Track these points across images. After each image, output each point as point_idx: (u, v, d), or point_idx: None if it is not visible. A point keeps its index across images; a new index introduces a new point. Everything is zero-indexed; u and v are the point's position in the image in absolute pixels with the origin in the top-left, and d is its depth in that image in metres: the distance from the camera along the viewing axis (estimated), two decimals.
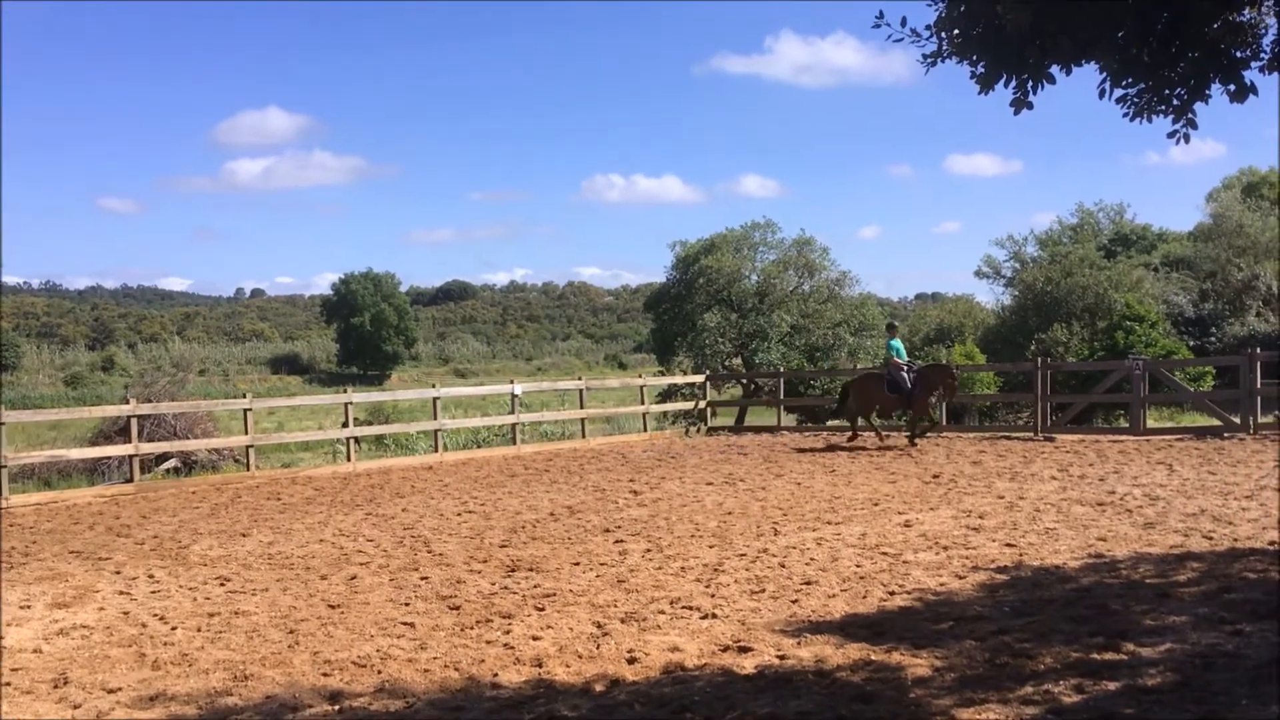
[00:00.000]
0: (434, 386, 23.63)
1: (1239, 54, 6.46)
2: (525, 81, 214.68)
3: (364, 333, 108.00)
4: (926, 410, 20.31)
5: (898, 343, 21.22)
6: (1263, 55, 6.49)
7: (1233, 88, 6.46)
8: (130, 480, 17.98)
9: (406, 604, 8.95)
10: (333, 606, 8.95)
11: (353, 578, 10.11)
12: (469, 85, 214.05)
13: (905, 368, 20.47)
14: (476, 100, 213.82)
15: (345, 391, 21.92)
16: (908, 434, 20.64)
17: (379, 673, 7.00)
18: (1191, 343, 40.75)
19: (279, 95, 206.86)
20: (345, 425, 21.11)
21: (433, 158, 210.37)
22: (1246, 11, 6.43)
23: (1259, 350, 21.05)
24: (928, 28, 6.77)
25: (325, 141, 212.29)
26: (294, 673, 7.07)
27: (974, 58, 6.65)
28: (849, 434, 21.33)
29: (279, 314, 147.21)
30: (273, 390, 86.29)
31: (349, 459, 20.50)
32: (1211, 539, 9.99)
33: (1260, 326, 42.04)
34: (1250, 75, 6.46)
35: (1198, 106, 6.65)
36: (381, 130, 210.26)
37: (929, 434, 21.02)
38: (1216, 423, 19.82)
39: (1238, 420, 19.32)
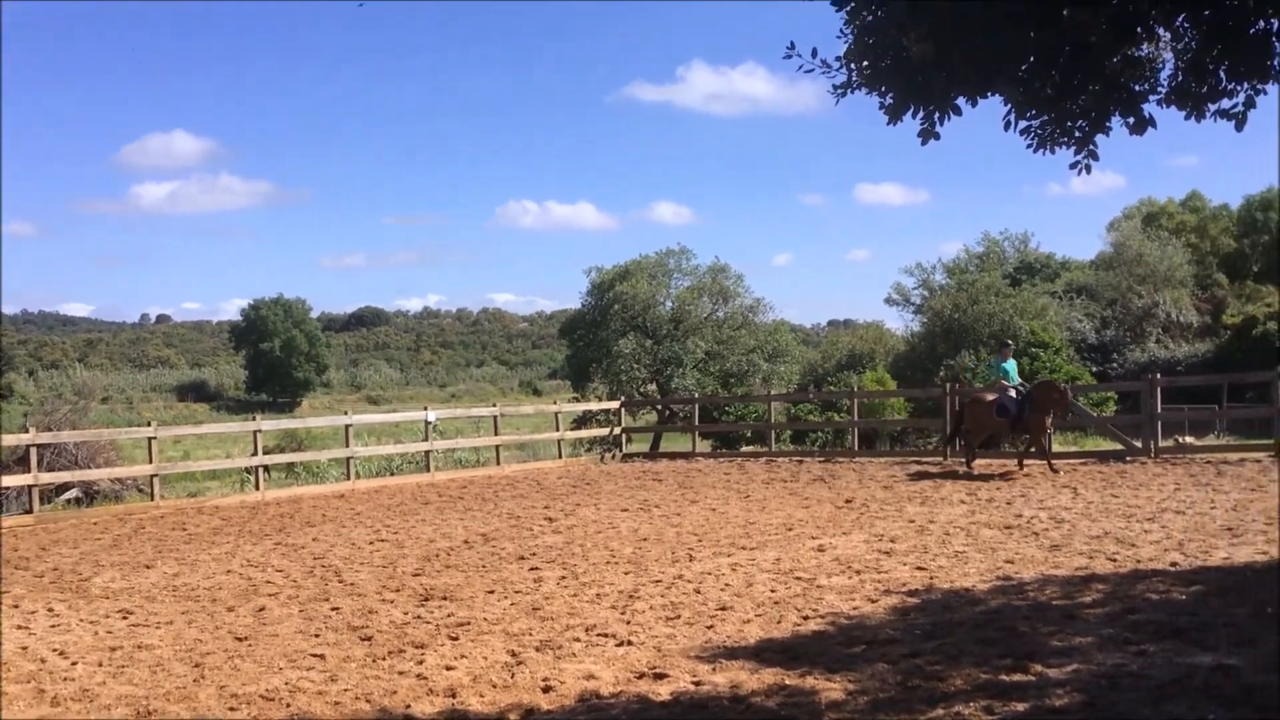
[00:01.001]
0: (346, 413, 23.34)
1: (1138, 87, 6.67)
2: (438, 106, 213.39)
3: (274, 359, 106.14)
4: (1042, 432, 18.29)
5: (1011, 364, 19.57)
6: (1161, 89, 6.71)
7: (1132, 120, 6.65)
8: (29, 511, 17.36)
9: (316, 635, 8.78)
10: (240, 639, 8.75)
11: (261, 609, 9.89)
12: (380, 110, 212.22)
13: (1015, 390, 18.77)
14: (388, 125, 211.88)
15: (254, 419, 21.51)
16: (1033, 459, 18.68)
17: (288, 706, 6.85)
18: (1094, 368, 41.86)
19: (185, 118, 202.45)
20: (254, 453, 20.68)
21: (344, 182, 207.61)
22: (1145, 46, 6.64)
23: (1159, 375, 21.70)
24: (837, 59, 6.87)
25: (232, 165, 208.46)
26: (199, 707, 6.90)
27: (883, 89, 6.77)
28: (966, 461, 19.28)
29: (185, 340, 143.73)
30: (179, 418, 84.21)
31: (258, 488, 20.07)
32: (1115, 561, 10.24)
33: (1160, 353, 43.40)
34: (1149, 108, 6.67)
35: (1099, 138, 6.85)
36: (291, 154, 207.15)
37: (1032, 460, 18.80)
38: (1119, 446, 20.35)
39: (1139, 444, 19.86)
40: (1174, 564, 9.89)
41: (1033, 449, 18.70)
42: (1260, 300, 46.28)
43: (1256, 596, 8.15)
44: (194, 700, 7.04)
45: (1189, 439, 23.03)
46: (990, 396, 18.91)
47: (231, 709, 6.86)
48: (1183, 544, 10.83)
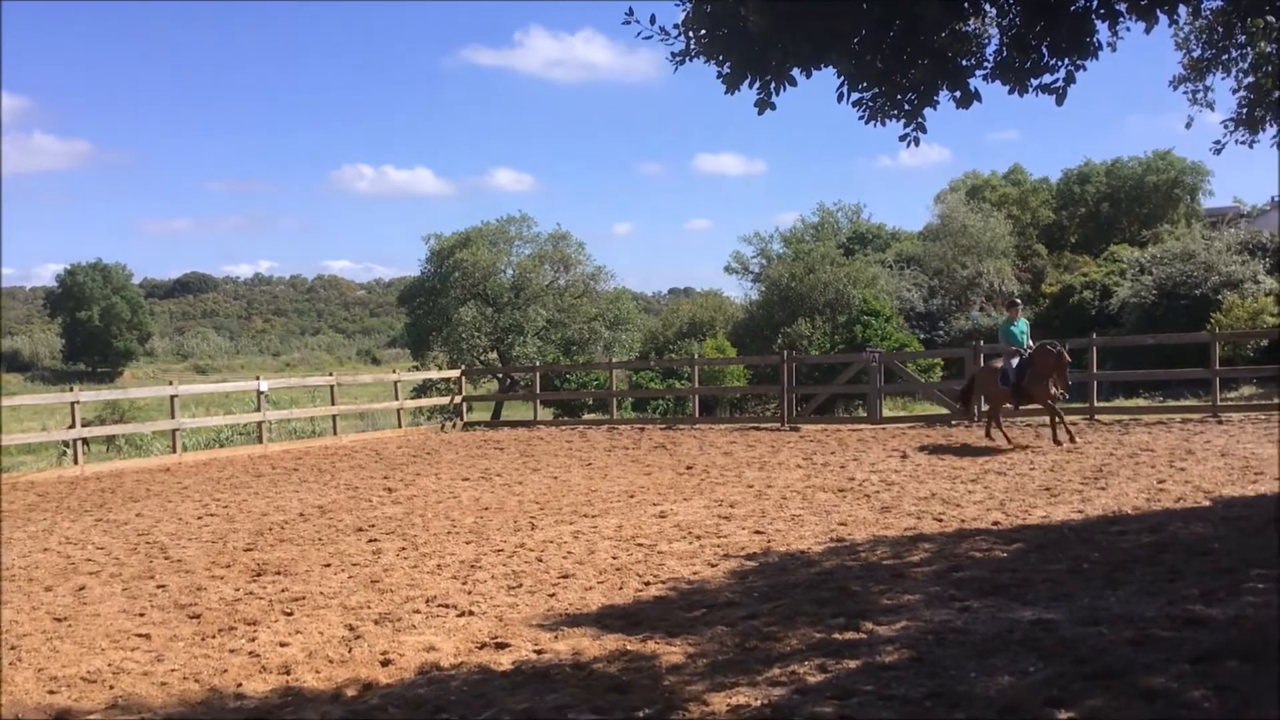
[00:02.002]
0: (171, 384, 22.38)
1: (965, 62, 6.86)
2: (265, 66, 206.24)
3: (92, 327, 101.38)
4: (1047, 400, 16.38)
5: (1021, 325, 17.41)
6: (986, 64, 6.92)
7: (959, 94, 6.85)
8: None
9: (141, 614, 8.44)
10: (59, 619, 8.37)
11: (81, 588, 9.46)
12: (203, 69, 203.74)
13: (1020, 354, 16.90)
14: (212, 85, 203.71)
15: (72, 390, 20.45)
16: (1053, 436, 16.44)
17: (111, 688, 6.57)
18: (922, 336, 43.38)
19: None
20: (72, 426, 19.70)
21: (166, 144, 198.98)
22: (972, 22, 6.84)
23: (982, 343, 22.60)
24: (676, 26, 6.88)
25: (47, 125, 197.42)
26: (16, 691, 6.57)
27: (720, 58, 6.80)
28: (986, 432, 17.52)
29: None
30: None
31: (76, 462, 19.14)
32: (941, 521, 10.63)
33: (983, 321, 45.23)
34: (975, 83, 6.87)
35: (927, 112, 7.03)
36: (109, 114, 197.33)
37: (1061, 428, 16.44)
38: (945, 411, 21.14)
39: (964, 408, 20.65)
40: (996, 523, 10.33)
41: (1054, 421, 16.44)
42: (1077, 270, 48.66)
43: (1073, 552, 8.57)
44: (10, 684, 6.70)
45: (1009, 404, 24.02)
46: (999, 364, 17.23)
47: (51, 692, 6.55)
48: (1004, 504, 11.32)
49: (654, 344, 49.55)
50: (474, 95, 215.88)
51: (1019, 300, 18.75)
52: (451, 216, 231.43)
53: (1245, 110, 11.05)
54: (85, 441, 20.42)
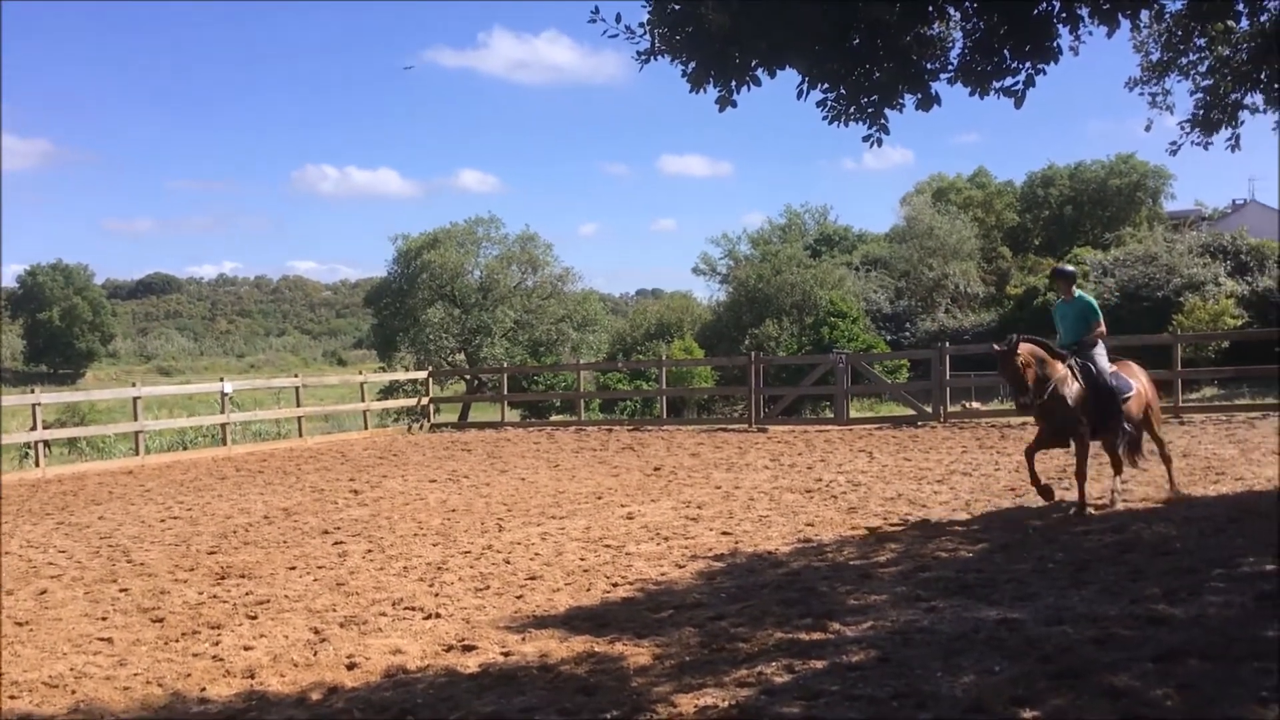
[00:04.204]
0: (134, 385, 22.15)
1: (929, 65, 6.91)
2: (227, 66, 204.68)
3: (53, 328, 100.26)
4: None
5: (1077, 307, 11.04)
6: (950, 67, 6.97)
7: (920, 96, 6.90)
8: None
9: (104, 618, 8.34)
10: (20, 624, 8.26)
11: (42, 592, 9.34)
12: (166, 68, 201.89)
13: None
14: (174, 84, 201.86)
15: (33, 391, 20.21)
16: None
17: (73, 693, 6.49)
18: (888, 337, 43.63)
19: None
20: (33, 428, 19.45)
21: (128, 143, 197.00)
22: (936, 25, 6.89)
23: (948, 344, 22.77)
24: (640, 25, 6.89)
25: (8, 124, 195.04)
26: None
27: (684, 57, 6.82)
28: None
29: None
30: None
31: (37, 464, 18.91)
32: (907, 521, 10.68)
33: (949, 322, 45.55)
34: (937, 86, 6.92)
35: (890, 113, 7.08)
36: (70, 113, 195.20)
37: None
38: (911, 412, 21.28)
39: (930, 409, 20.81)
40: (962, 524, 10.38)
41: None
42: (1041, 272, 49.01)
43: (1037, 553, 8.64)
44: None
45: (975, 404, 24.26)
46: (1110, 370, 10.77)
47: (12, 697, 6.45)
48: (969, 504, 11.39)
49: (622, 345, 49.59)
50: (438, 96, 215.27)
51: (1070, 269, 11.97)
52: (417, 218, 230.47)
53: (1202, 112, 11.18)
54: (47, 444, 20.17)
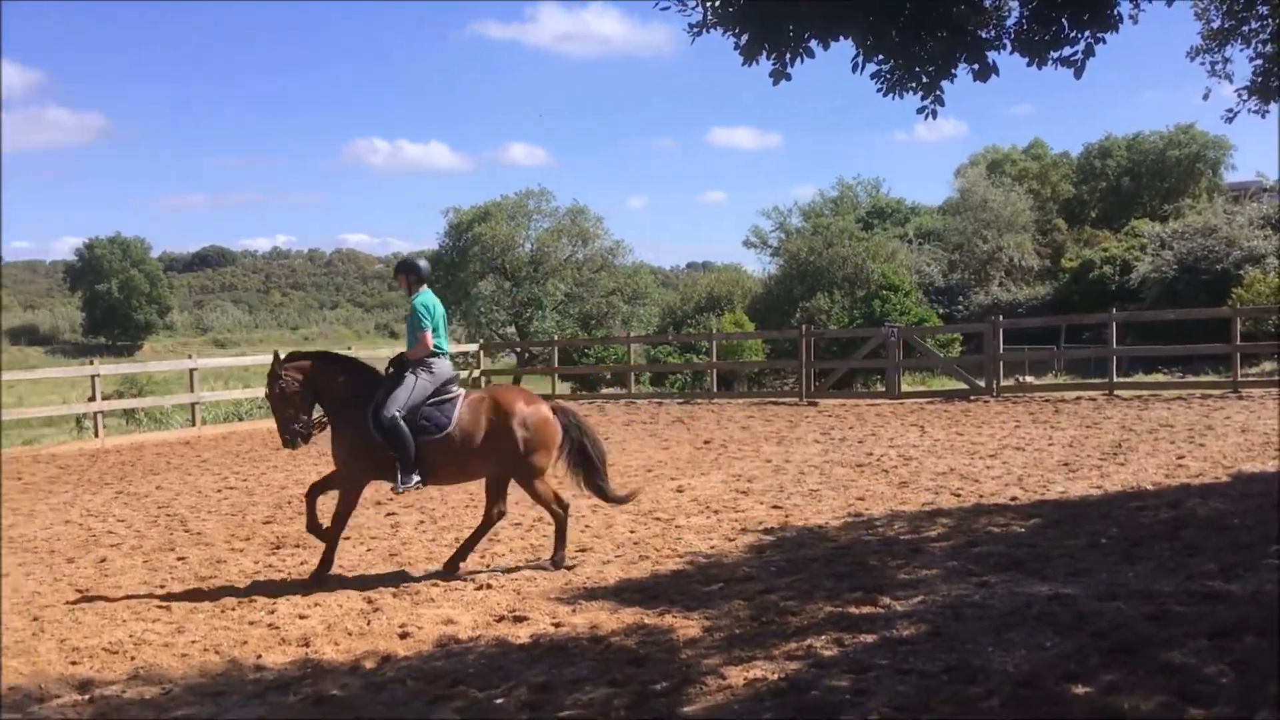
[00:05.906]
0: (190, 357, 22.46)
1: (984, 35, 6.79)
2: (274, 42, 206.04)
3: (112, 301, 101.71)
4: None
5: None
6: (1006, 36, 6.85)
7: (976, 67, 6.79)
8: None
9: (162, 586, 8.50)
10: (81, 591, 8.43)
11: (102, 560, 9.54)
12: (215, 47, 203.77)
13: None
14: (224, 62, 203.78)
15: (92, 363, 20.57)
16: None
17: (132, 659, 6.63)
18: (941, 311, 43.15)
19: (9, 48, 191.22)
20: (92, 399, 19.82)
21: (179, 121, 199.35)
22: None
23: (1001, 318, 22.51)
24: None
25: (61, 98, 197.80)
26: (39, 662, 6.63)
27: (737, 29, 6.75)
28: None
29: (17, 281, 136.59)
30: (11, 363, 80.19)
31: (97, 434, 19.28)
32: (959, 496, 10.61)
33: (1003, 295, 45.00)
34: (993, 56, 6.81)
35: (945, 84, 6.97)
36: (124, 93, 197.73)
37: None
38: (963, 386, 21.08)
39: (982, 383, 20.61)
40: (1014, 498, 10.29)
41: None
42: (1097, 245, 48.31)
43: (1091, 528, 8.55)
44: (33, 654, 6.75)
45: (1029, 378, 24.00)
46: None
47: (73, 663, 6.60)
48: (1022, 479, 11.28)
49: (672, 318, 49.44)
50: (486, 69, 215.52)
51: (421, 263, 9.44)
52: (466, 191, 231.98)
53: (1260, 79, 10.89)
54: (105, 414, 20.54)
